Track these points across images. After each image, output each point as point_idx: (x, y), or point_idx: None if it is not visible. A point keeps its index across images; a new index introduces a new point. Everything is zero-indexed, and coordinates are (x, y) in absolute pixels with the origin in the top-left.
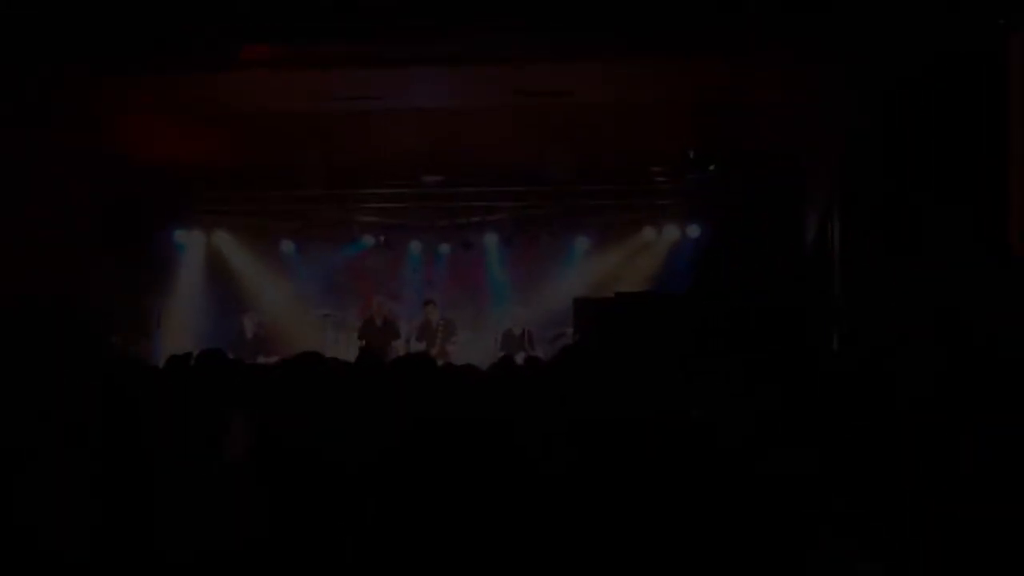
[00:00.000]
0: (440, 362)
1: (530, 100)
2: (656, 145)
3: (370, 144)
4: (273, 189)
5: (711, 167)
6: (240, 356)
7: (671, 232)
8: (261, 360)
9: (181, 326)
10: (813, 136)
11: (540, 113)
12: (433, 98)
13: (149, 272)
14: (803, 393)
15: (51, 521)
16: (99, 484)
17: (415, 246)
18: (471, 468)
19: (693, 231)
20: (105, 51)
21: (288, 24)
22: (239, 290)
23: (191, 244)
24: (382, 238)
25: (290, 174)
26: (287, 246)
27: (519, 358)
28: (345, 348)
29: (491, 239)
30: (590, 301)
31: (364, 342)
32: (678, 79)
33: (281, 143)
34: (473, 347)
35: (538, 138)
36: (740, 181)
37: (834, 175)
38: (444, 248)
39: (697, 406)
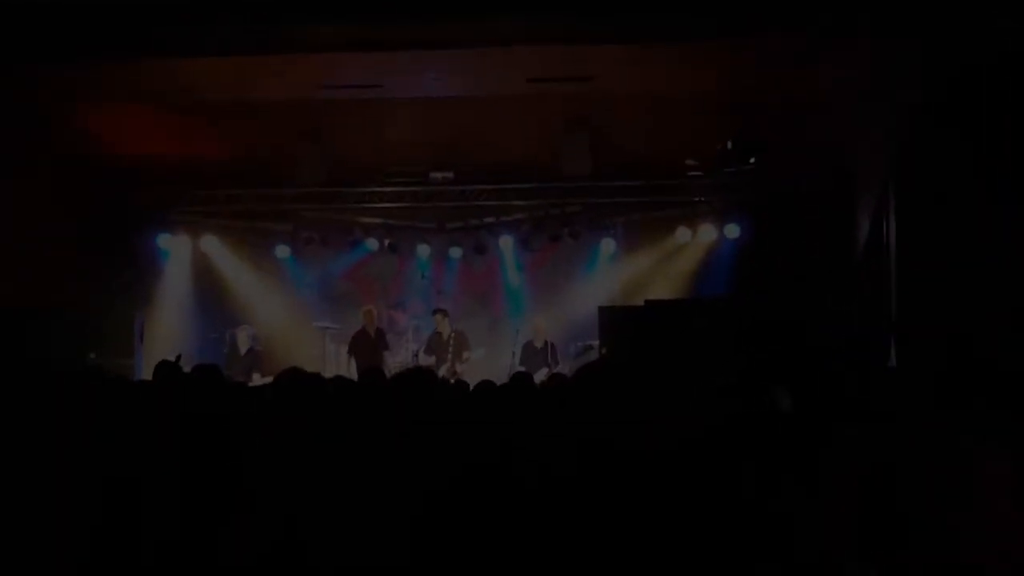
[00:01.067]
0: (451, 379)
1: (547, 88)
2: (689, 136)
3: (372, 137)
4: (266, 187)
5: (751, 160)
6: (233, 374)
7: (707, 232)
8: (256, 378)
9: (166, 341)
10: (864, 125)
11: (559, 102)
12: (442, 86)
13: (128, 281)
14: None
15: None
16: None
17: (423, 250)
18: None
19: (732, 231)
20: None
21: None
22: (230, 301)
23: (175, 249)
24: (387, 241)
25: (285, 171)
26: (282, 251)
27: (541, 375)
28: (348, 363)
29: (507, 242)
30: (617, 310)
31: (352, 356)
32: (713, 64)
33: (274, 136)
34: (489, 362)
35: (557, 130)
36: (784, 176)
37: (888, 168)
38: (455, 252)
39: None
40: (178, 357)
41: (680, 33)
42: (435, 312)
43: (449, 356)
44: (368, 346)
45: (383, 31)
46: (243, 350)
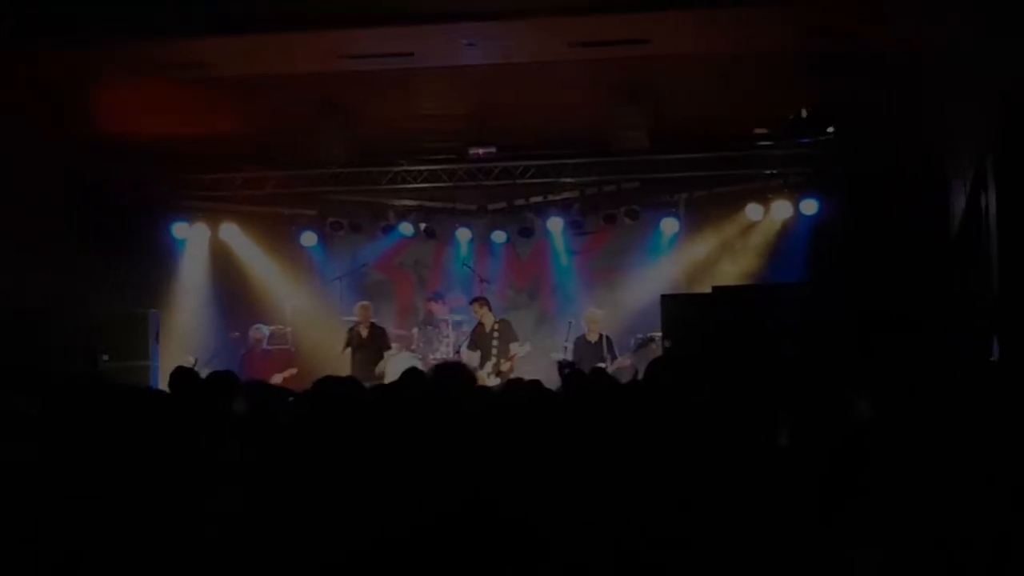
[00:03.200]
0: (495, 377)
1: (598, 52)
2: (760, 103)
3: (404, 110)
4: (289, 169)
5: (829, 129)
6: (253, 373)
7: (781, 209)
8: (276, 378)
9: (183, 340)
10: (961, 90)
11: (612, 67)
12: (479, 53)
13: (143, 274)
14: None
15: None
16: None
17: (463, 234)
18: None
19: (809, 207)
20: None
21: None
22: (251, 294)
23: (192, 239)
24: (423, 225)
25: (309, 150)
26: (308, 238)
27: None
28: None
29: (556, 223)
30: (681, 298)
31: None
32: (787, 20)
33: (296, 112)
34: (538, 357)
35: (611, 98)
36: (867, 146)
37: (988, 139)
38: (499, 236)
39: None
40: (194, 362)
41: None
42: (472, 301)
43: (494, 351)
44: (359, 346)
45: (409, 2)
46: (261, 348)
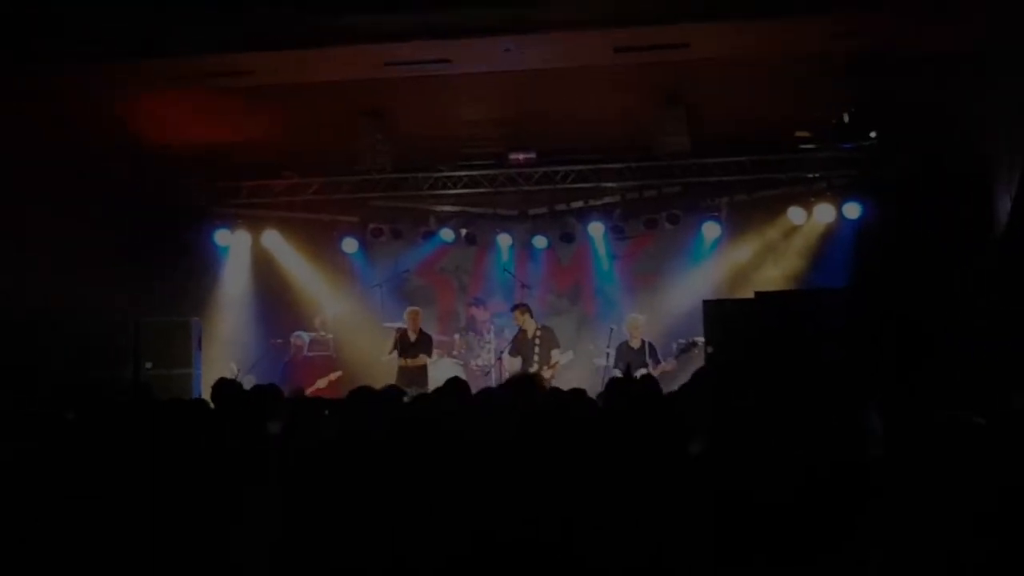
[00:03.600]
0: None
1: (637, 56)
2: (802, 106)
3: (443, 116)
4: (330, 175)
5: (872, 133)
6: (296, 380)
7: (824, 212)
8: (320, 384)
9: (225, 348)
10: (1006, 91)
11: (651, 71)
12: (518, 59)
13: (185, 282)
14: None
15: None
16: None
17: (504, 240)
18: None
19: (852, 211)
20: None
21: None
22: (293, 301)
23: (234, 246)
24: (463, 231)
25: (349, 156)
26: (349, 244)
27: (639, 376)
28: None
29: (597, 228)
30: (724, 303)
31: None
32: (823, 26)
33: (335, 118)
34: (579, 363)
35: (651, 101)
36: (912, 149)
37: None
38: (540, 241)
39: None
40: (236, 370)
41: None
42: (514, 308)
43: (536, 357)
44: (405, 350)
45: (449, 16)
46: (303, 355)
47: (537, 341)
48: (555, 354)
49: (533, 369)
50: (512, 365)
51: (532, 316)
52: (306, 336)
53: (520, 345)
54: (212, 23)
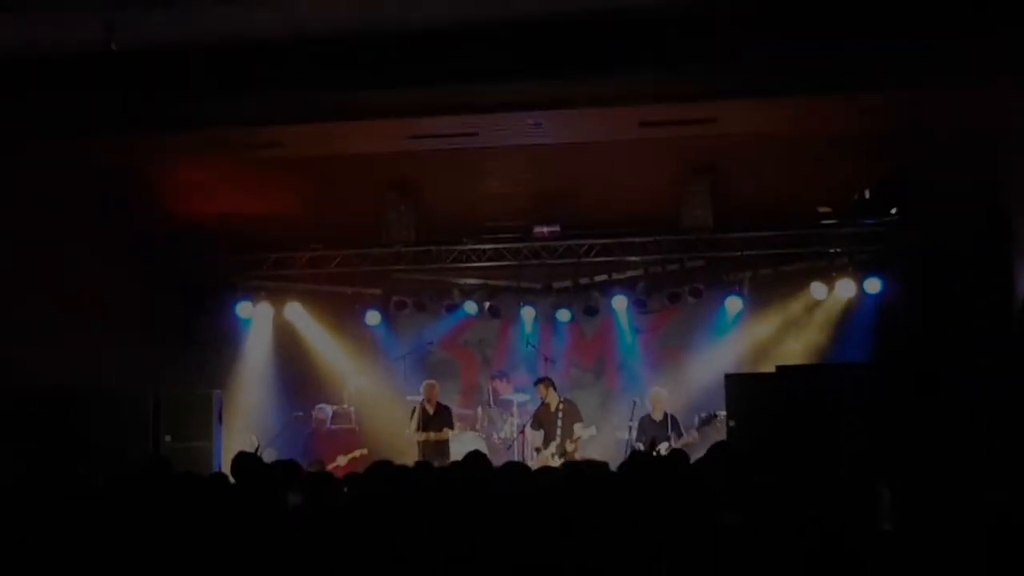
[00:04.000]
0: (560, 458)
1: (663, 131)
2: (824, 183)
3: (468, 189)
4: (354, 248)
5: (892, 210)
6: (317, 453)
7: (845, 287)
8: (341, 461)
9: (246, 421)
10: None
11: (676, 146)
12: (543, 134)
13: (207, 354)
14: None
15: None
16: None
17: (527, 312)
18: None
19: (873, 286)
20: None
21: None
22: (315, 374)
23: (256, 319)
24: (487, 304)
25: (373, 229)
26: (372, 317)
27: (663, 449)
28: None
29: (621, 302)
30: (746, 378)
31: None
32: (848, 103)
33: (359, 191)
34: (603, 437)
35: (675, 177)
36: (932, 225)
37: None
38: (563, 315)
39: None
40: (256, 448)
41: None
42: (537, 383)
43: (558, 431)
44: (426, 425)
45: (473, 93)
46: (325, 428)
47: (560, 415)
48: (578, 428)
49: (555, 443)
50: (535, 439)
51: (555, 390)
52: (328, 409)
53: (542, 418)
54: (241, 96)
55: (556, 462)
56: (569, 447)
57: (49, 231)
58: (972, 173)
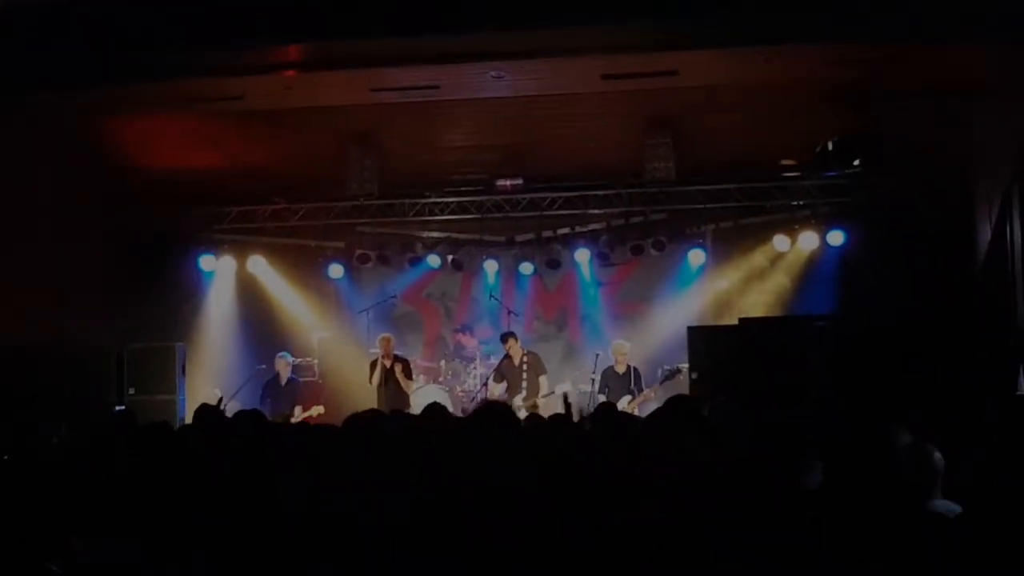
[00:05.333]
0: (523, 412)
1: (625, 83)
2: (787, 135)
3: (430, 142)
4: (317, 201)
5: (855, 163)
6: (276, 404)
7: (808, 240)
8: (298, 411)
9: (210, 374)
10: (986, 123)
11: (638, 99)
12: (506, 86)
13: (169, 307)
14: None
15: None
16: None
17: (490, 266)
18: None
19: (836, 238)
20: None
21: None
22: (278, 327)
23: (219, 272)
24: (450, 257)
25: (335, 183)
26: (335, 270)
27: (623, 404)
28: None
29: (583, 255)
30: (708, 330)
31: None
32: (813, 57)
33: (322, 144)
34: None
35: (638, 129)
36: (894, 178)
37: (1015, 169)
38: (526, 268)
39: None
40: (219, 400)
41: (778, 35)
42: (504, 338)
43: (524, 383)
44: (387, 379)
45: (437, 43)
46: (283, 381)
47: (524, 367)
48: (543, 381)
49: (521, 395)
50: (497, 391)
51: (520, 344)
52: (290, 357)
53: (505, 371)
54: (202, 48)
55: (521, 415)
56: (540, 401)
57: (8, 187)
58: (936, 126)
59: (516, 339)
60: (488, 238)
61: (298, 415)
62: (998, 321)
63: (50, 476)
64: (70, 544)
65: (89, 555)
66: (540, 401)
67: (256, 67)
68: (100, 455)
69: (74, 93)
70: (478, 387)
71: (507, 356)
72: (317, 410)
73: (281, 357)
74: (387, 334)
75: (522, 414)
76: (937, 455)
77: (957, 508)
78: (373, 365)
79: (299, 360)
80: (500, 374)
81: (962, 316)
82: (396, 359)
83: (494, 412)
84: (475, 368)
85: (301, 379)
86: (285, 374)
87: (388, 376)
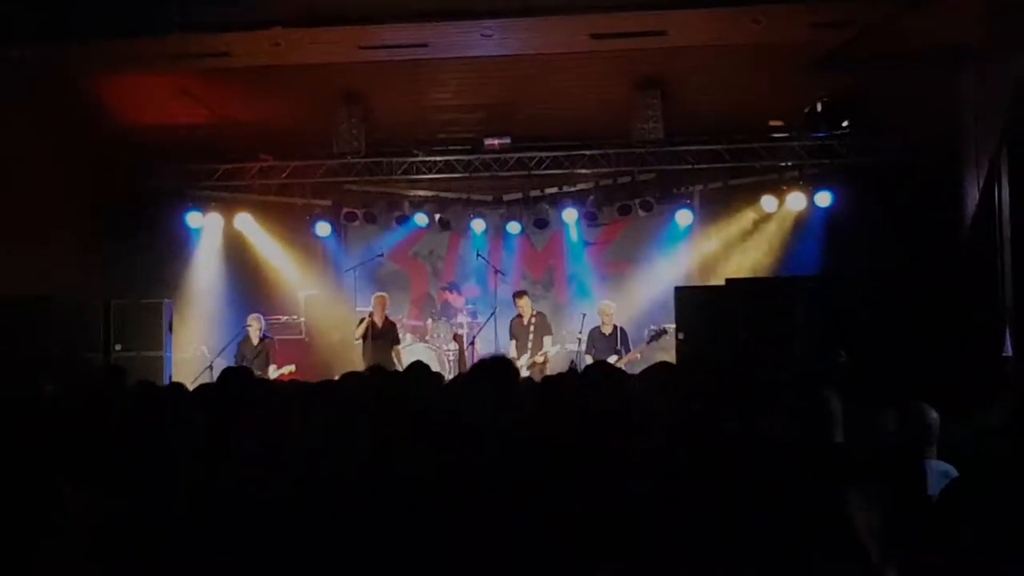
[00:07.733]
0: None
1: (614, 43)
2: (775, 96)
3: (418, 101)
4: (304, 159)
5: (844, 123)
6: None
7: (796, 201)
8: (271, 371)
9: (197, 330)
10: (976, 87)
11: (627, 59)
12: (494, 45)
13: (156, 264)
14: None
15: None
16: None
17: (478, 225)
18: None
19: (823, 199)
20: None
21: None
22: (265, 284)
23: (207, 228)
24: (438, 216)
25: (323, 140)
26: (323, 228)
27: (612, 361)
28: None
29: (571, 214)
30: (695, 290)
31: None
32: (801, 17)
33: (310, 102)
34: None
35: (626, 89)
36: (882, 140)
37: (1003, 132)
38: (513, 227)
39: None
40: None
41: None
42: (515, 296)
43: (530, 343)
44: (375, 336)
45: (426, 1)
46: (255, 341)
47: (532, 327)
48: (547, 341)
49: (527, 355)
50: (510, 349)
51: (528, 301)
52: (254, 323)
53: (516, 330)
54: (190, 3)
55: (525, 374)
56: (539, 359)
57: None
58: (924, 87)
59: (526, 297)
60: (476, 197)
61: (272, 374)
62: (985, 282)
63: (41, 428)
64: (63, 493)
65: (81, 505)
66: (539, 359)
67: (243, 23)
68: (91, 410)
69: (56, 49)
70: (466, 347)
71: (518, 315)
72: (288, 368)
73: (254, 318)
74: (383, 294)
75: (525, 373)
76: (933, 414)
77: (952, 469)
78: (362, 322)
79: (285, 318)
80: (512, 333)
81: (949, 278)
82: (387, 321)
83: (488, 367)
84: (462, 327)
85: (276, 337)
86: (256, 335)
87: (376, 334)
